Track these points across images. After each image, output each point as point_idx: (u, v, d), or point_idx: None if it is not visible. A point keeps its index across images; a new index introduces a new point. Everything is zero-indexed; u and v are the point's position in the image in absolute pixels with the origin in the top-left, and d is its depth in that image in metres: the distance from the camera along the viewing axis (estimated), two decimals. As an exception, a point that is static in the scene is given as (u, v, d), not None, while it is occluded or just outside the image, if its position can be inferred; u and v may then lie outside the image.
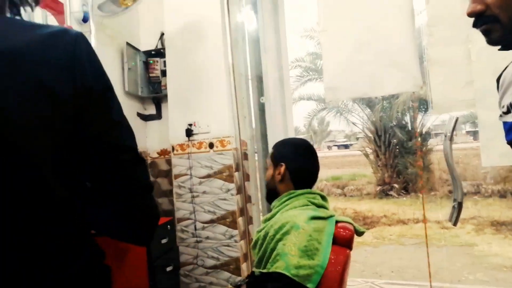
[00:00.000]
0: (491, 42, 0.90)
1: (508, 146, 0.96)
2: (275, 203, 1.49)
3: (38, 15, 2.03)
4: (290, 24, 2.96)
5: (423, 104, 9.87)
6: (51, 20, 2.08)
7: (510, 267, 5.20)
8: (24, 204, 0.59)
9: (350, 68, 2.31)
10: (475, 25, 0.90)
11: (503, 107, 0.97)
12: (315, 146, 1.99)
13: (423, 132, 10.74)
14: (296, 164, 1.48)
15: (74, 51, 0.66)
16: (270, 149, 1.65)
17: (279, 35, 2.63)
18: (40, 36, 0.63)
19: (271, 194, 1.54)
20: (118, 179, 0.69)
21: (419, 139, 10.40)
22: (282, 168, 1.48)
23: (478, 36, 1.01)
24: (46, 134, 0.61)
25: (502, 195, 9.49)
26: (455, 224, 2.21)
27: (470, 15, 0.89)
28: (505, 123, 0.96)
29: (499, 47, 0.93)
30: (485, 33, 0.90)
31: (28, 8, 0.77)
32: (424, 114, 10.32)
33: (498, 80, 1.03)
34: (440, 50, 2.15)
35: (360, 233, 1.46)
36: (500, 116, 0.99)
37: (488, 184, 10.00)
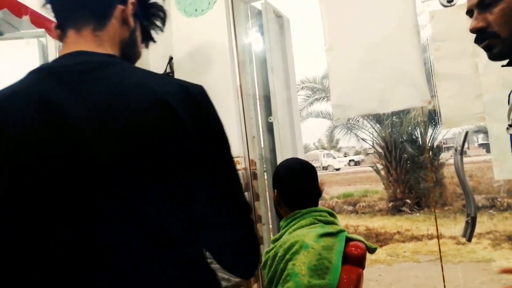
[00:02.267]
0: (492, 57, 0.95)
1: None
2: (282, 223, 1.51)
3: (51, 46, 2.10)
4: (297, 44, 3.01)
5: (433, 118, 9.83)
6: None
7: (531, 283, 5.03)
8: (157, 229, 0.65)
9: (358, 85, 2.32)
10: (476, 40, 0.96)
11: (511, 119, 0.98)
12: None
13: (434, 146, 10.64)
14: (287, 188, 1.51)
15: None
16: None
17: (286, 55, 2.67)
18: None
19: (278, 215, 1.59)
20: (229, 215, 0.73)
21: (430, 153, 10.31)
22: (275, 194, 1.53)
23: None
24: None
25: (518, 208, 9.30)
26: (469, 239, 2.17)
27: (472, 31, 0.95)
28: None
29: (504, 62, 0.96)
30: (487, 48, 0.95)
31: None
32: (434, 128, 10.25)
33: (509, 94, 1.05)
34: (447, 64, 2.16)
35: (372, 250, 1.45)
36: (507, 128, 1.00)
37: (503, 197, 9.81)
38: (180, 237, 0.68)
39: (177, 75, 2.67)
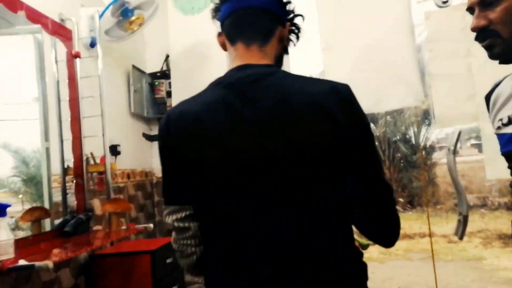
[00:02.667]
0: (492, 56, 0.94)
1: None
2: None
3: (47, 42, 2.08)
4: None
5: (426, 118, 9.89)
6: (60, 46, 2.13)
7: (520, 281, 5.11)
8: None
9: (353, 84, 2.31)
10: (477, 39, 0.94)
11: (500, 120, 0.98)
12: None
13: (427, 146, 10.71)
14: None
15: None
16: None
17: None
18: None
19: None
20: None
21: (423, 153, 10.38)
22: None
23: (478, 50, 1.04)
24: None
25: (509, 207, 9.38)
26: (461, 238, 2.20)
27: (473, 30, 0.93)
28: (503, 135, 0.98)
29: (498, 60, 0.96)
30: (488, 47, 0.93)
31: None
32: (428, 128, 10.31)
33: (488, 97, 1.05)
34: (441, 64, 2.18)
35: (364, 247, 1.44)
36: (498, 128, 1.00)
37: (494, 196, 9.90)
38: (337, 217, 0.82)
39: (173, 73, 2.67)
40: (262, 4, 0.89)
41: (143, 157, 2.82)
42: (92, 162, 2.24)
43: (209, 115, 0.84)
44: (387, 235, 0.88)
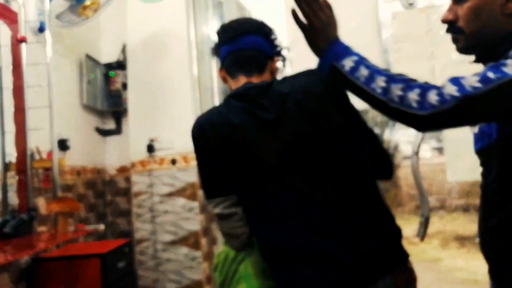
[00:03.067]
0: (458, 50, 0.99)
1: (473, 161, 1.04)
2: None
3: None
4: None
5: (390, 120, 10.10)
6: (4, 30, 2.01)
7: (474, 280, 5.29)
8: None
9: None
10: (447, 30, 1.00)
11: None
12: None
13: (391, 148, 10.96)
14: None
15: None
16: None
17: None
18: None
19: None
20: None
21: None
22: None
23: (441, 53, 1.05)
24: None
25: (466, 209, 9.77)
26: (422, 239, 2.23)
27: (442, 21, 0.99)
28: (474, 134, 1.01)
29: (467, 61, 1.02)
30: (453, 41, 0.99)
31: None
32: (391, 130, 10.55)
33: None
34: (406, 65, 2.18)
35: None
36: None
37: (453, 198, 10.27)
38: (365, 181, 1.02)
39: (130, 63, 2.55)
40: (254, 46, 1.10)
41: (95, 153, 2.68)
42: (37, 157, 2.11)
43: (235, 118, 1.03)
44: (389, 170, 1.13)
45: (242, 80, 1.10)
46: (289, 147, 1.00)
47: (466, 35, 0.94)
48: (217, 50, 1.17)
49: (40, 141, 2.09)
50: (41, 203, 2.09)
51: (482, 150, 0.97)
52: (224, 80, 1.15)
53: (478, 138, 1.00)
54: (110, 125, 2.74)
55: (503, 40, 0.90)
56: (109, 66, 2.68)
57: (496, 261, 0.92)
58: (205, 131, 1.04)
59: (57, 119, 2.13)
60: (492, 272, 0.96)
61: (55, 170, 2.11)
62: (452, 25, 0.96)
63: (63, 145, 2.28)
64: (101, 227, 2.25)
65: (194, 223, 2.40)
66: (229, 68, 1.12)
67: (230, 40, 1.11)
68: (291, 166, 0.99)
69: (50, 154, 2.12)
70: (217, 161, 1.04)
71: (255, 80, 1.10)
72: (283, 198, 0.99)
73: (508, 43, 0.89)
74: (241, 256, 1.21)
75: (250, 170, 1.02)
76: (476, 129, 1.00)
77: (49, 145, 2.10)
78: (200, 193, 2.42)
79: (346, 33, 2.26)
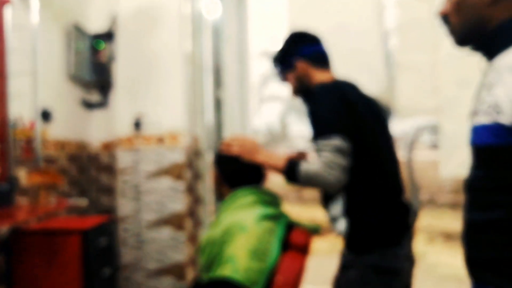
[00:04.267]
0: (454, 42, 1.00)
1: (466, 157, 1.01)
2: (222, 204, 1.43)
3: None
4: (257, 19, 2.86)
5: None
6: None
7: (457, 277, 5.35)
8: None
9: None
10: (443, 24, 1.00)
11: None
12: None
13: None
14: (228, 164, 1.43)
15: None
16: None
17: (243, 27, 2.52)
18: None
19: (220, 197, 1.50)
20: None
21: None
22: (216, 173, 1.46)
23: (444, 44, 1.03)
24: None
25: (453, 206, 9.90)
26: (410, 233, 2.20)
27: (440, 15, 0.99)
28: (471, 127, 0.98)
29: (466, 53, 1.02)
30: (448, 34, 1.00)
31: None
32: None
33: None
34: (408, 55, 2.12)
35: (315, 231, 1.42)
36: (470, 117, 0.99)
37: (443, 193, 10.39)
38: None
39: (121, 36, 2.46)
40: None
41: (81, 127, 2.59)
42: (20, 126, 2.03)
43: (352, 91, 1.35)
44: None
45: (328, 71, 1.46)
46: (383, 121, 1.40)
47: (452, 27, 0.96)
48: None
49: (22, 110, 2.00)
50: (22, 174, 2.03)
51: (480, 146, 0.92)
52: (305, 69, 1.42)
53: (470, 134, 0.97)
54: (97, 98, 2.65)
55: (498, 30, 0.90)
56: (98, 37, 2.59)
57: (474, 255, 0.91)
58: (345, 90, 1.32)
59: (41, 89, 2.05)
60: (471, 267, 0.94)
61: (37, 141, 2.03)
62: (445, 19, 0.98)
63: (46, 115, 2.20)
64: (84, 202, 2.21)
65: (179, 203, 2.35)
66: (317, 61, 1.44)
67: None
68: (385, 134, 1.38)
69: (32, 124, 2.04)
70: (348, 114, 1.25)
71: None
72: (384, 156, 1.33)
73: (506, 33, 0.89)
74: (227, 238, 1.23)
75: (366, 129, 1.28)
76: (476, 121, 0.94)
77: (31, 114, 2.02)
78: (187, 173, 2.38)
79: (348, 19, 2.20)
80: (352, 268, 1.25)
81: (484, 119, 0.86)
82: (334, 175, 1.17)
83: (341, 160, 1.18)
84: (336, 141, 1.19)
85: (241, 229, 1.24)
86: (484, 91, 0.90)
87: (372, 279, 1.22)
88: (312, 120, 1.28)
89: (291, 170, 1.22)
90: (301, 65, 1.40)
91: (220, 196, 1.47)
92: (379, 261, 1.22)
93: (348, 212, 1.26)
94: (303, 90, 1.43)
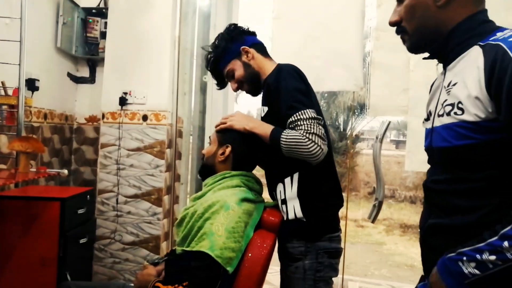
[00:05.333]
0: (407, 49, 0.99)
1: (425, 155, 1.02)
2: (208, 180, 1.43)
3: None
4: (245, 6, 2.90)
5: (356, 108, 10.34)
6: None
7: (411, 265, 5.68)
8: None
9: (296, 58, 2.30)
10: (396, 32, 0.99)
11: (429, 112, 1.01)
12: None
13: (353, 135, 11.27)
14: (242, 148, 1.42)
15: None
16: (212, 126, 1.59)
17: (231, 14, 2.56)
18: None
19: (207, 170, 1.47)
20: None
21: (349, 141, 10.89)
22: (228, 150, 1.41)
23: None
24: None
25: (413, 201, 10.35)
26: (373, 221, 2.34)
27: (389, 24, 0.99)
28: (426, 130, 1.01)
29: (426, 55, 1.00)
30: (403, 42, 0.99)
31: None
32: (357, 118, 10.81)
33: (431, 86, 1.08)
34: (383, 55, 2.22)
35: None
36: (423, 123, 1.03)
37: (402, 189, 10.80)
38: None
39: (111, 13, 2.44)
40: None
41: (65, 99, 2.58)
42: (3, 93, 1.99)
43: None
44: None
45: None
46: None
47: (409, 34, 0.95)
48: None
49: (7, 77, 1.97)
50: (3, 141, 2.00)
51: (437, 149, 0.93)
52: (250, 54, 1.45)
53: (426, 137, 0.99)
54: (84, 73, 2.64)
55: (450, 34, 0.90)
56: (89, 12, 2.55)
57: (433, 257, 0.88)
58: None
59: (28, 57, 1.99)
60: (426, 265, 0.95)
61: (20, 108, 1.98)
62: (399, 26, 0.96)
63: (31, 84, 2.17)
64: (65, 172, 2.16)
65: (159, 180, 2.39)
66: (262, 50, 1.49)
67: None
68: None
69: (16, 90, 1.99)
70: None
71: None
72: None
73: (457, 37, 0.90)
74: (209, 214, 1.25)
75: None
76: (428, 125, 0.98)
77: (16, 82, 1.96)
78: (168, 151, 2.44)
79: (332, 17, 2.28)
80: (306, 257, 1.31)
81: (447, 120, 0.86)
82: (316, 143, 1.20)
83: (319, 130, 1.22)
84: (312, 113, 1.24)
85: (224, 207, 1.24)
86: (442, 94, 0.91)
87: (328, 263, 1.33)
88: (283, 96, 1.29)
89: (276, 136, 1.25)
90: (249, 51, 1.44)
91: (210, 172, 1.45)
92: (329, 245, 1.33)
93: (300, 197, 1.33)
94: (251, 78, 1.45)
